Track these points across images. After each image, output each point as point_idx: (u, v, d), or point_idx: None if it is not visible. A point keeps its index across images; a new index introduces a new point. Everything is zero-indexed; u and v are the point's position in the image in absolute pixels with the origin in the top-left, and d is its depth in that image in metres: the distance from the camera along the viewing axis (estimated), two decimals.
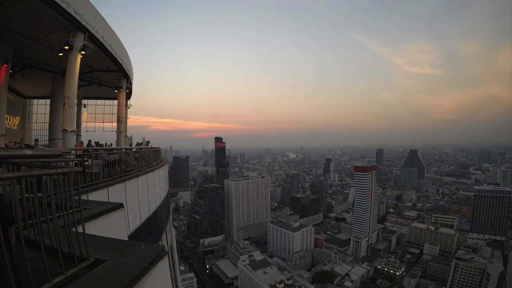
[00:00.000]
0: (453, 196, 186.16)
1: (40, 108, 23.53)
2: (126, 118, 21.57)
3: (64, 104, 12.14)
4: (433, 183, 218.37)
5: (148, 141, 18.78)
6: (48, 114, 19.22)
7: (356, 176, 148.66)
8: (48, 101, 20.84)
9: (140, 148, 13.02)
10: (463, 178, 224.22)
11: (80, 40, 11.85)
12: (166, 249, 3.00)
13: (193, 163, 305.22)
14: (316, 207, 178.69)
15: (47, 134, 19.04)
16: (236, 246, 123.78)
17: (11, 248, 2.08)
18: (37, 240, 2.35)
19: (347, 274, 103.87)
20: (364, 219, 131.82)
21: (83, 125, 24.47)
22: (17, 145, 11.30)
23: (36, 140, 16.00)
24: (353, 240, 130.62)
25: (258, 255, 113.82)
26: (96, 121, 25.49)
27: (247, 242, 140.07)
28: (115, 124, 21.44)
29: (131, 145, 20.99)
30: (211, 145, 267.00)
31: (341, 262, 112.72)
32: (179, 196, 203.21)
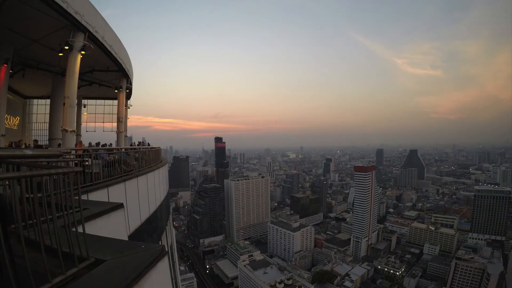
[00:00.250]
0: (453, 196, 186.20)
1: (40, 108, 23.53)
2: (126, 118, 21.57)
3: (64, 104, 12.14)
4: (433, 183, 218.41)
5: (148, 143, 18.78)
6: (48, 114, 19.21)
7: (356, 176, 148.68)
8: (48, 101, 20.84)
9: (140, 148, 13.02)
10: (463, 178, 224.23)
11: (80, 40, 11.85)
12: (166, 249, 3.00)
13: (193, 163, 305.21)
14: (316, 207, 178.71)
15: (47, 134, 19.04)
16: (236, 246, 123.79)
17: (10, 247, 2.08)
18: (37, 240, 2.35)
19: (347, 274, 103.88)
20: (364, 219, 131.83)
21: (83, 125, 24.47)
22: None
23: (35, 140, 15.99)
24: (353, 240, 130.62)
25: (258, 255, 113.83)
26: (96, 121, 25.47)
27: (247, 242, 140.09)
28: (115, 124, 21.43)
29: (130, 145, 20.95)
30: (211, 145, 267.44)
31: (341, 262, 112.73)
32: (179, 196, 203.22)
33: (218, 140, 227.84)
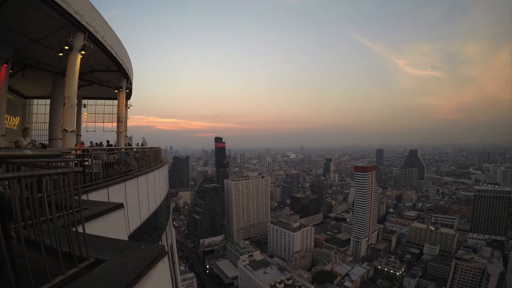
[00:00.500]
0: (453, 196, 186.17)
1: (40, 108, 23.52)
2: (126, 118, 21.58)
3: (64, 104, 12.14)
4: (433, 183, 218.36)
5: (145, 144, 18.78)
6: (48, 114, 19.21)
7: (356, 176, 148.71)
8: (48, 101, 20.83)
9: (140, 148, 13.02)
10: (463, 178, 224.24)
11: (80, 40, 11.85)
12: (166, 249, 3.00)
13: (193, 163, 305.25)
14: (316, 207, 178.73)
15: (47, 134, 19.04)
16: (236, 246, 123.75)
17: (10, 245, 2.08)
18: (37, 240, 2.35)
19: (347, 274, 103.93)
20: (364, 219, 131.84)
21: (83, 125, 24.48)
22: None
23: (34, 141, 15.96)
24: (353, 240, 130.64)
25: (258, 255, 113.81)
26: (96, 121, 25.49)
27: (247, 242, 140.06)
28: (115, 124, 21.44)
29: (129, 145, 20.94)
30: (211, 145, 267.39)
31: (341, 262, 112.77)
32: (179, 196, 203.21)
33: (218, 140, 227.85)
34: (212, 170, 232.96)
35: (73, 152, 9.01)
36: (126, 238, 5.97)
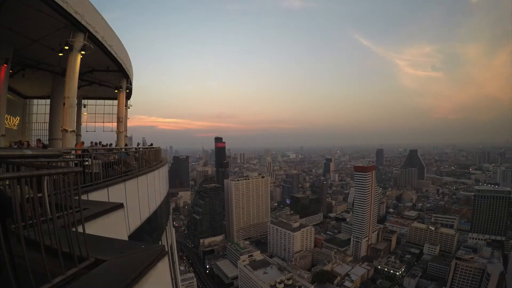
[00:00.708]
0: (453, 196, 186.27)
1: (40, 108, 23.53)
2: (126, 118, 21.58)
3: (64, 104, 12.14)
4: (433, 183, 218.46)
5: (151, 143, 18.79)
6: (48, 114, 19.22)
7: (356, 176, 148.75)
8: (48, 101, 20.85)
9: (139, 148, 13.02)
10: (463, 178, 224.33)
11: (80, 40, 11.85)
12: (166, 249, 3.00)
13: (193, 163, 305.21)
14: (316, 207, 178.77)
15: (47, 134, 19.05)
16: (236, 246, 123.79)
17: (10, 245, 2.08)
18: (37, 240, 2.35)
19: (347, 274, 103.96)
20: (364, 219, 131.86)
21: (83, 125, 24.49)
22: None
23: (38, 140, 15.98)
24: (353, 240, 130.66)
25: (258, 255, 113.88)
26: (96, 121, 25.49)
27: (247, 242, 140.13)
28: (115, 124, 21.45)
29: (126, 145, 20.94)
30: (211, 145, 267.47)
31: (341, 262, 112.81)
32: (179, 196, 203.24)
33: (218, 140, 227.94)
34: (212, 170, 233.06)
35: (73, 152, 9.01)
36: (126, 238, 5.97)
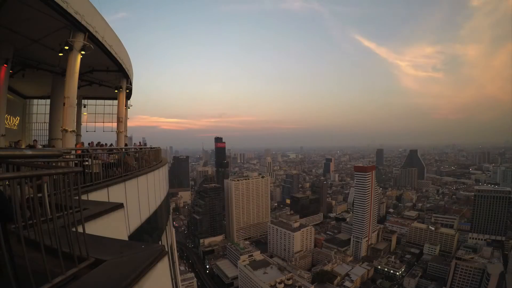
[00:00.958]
0: (453, 196, 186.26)
1: (40, 108, 23.49)
2: (126, 118, 21.56)
3: (64, 104, 12.14)
4: (433, 183, 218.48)
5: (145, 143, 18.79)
6: (48, 114, 19.20)
7: (356, 176, 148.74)
8: (48, 101, 20.82)
9: (139, 148, 13.02)
10: (463, 178, 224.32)
11: (80, 40, 11.84)
12: (166, 249, 3.00)
13: (193, 163, 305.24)
14: (316, 207, 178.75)
15: (47, 134, 19.03)
16: (236, 246, 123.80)
17: (10, 245, 2.08)
18: (37, 240, 2.35)
19: (347, 274, 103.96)
20: (364, 219, 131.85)
21: (83, 125, 24.47)
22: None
23: (35, 141, 15.97)
24: (353, 240, 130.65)
25: (258, 255, 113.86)
26: (96, 121, 25.46)
27: (247, 242, 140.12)
28: (115, 124, 21.43)
29: (126, 145, 20.92)
30: (211, 145, 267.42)
31: (341, 262, 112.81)
32: (179, 196, 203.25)
33: (218, 140, 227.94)
34: (212, 170, 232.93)
35: (73, 152, 9.01)
36: (126, 238, 5.97)
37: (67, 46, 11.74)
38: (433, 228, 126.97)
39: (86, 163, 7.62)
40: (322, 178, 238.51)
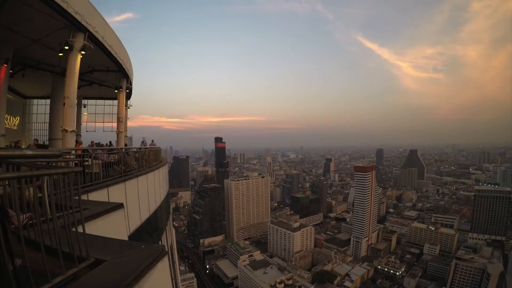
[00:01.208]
0: (453, 196, 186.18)
1: (40, 108, 23.48)
2: (126, 118, 21.56)
3: (64, 104, 12.14)
4: (433, 183, 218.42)
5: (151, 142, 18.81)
6: (48, 114, 19.20)
7: (356, 176, 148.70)
8: (48, 101, 20.82)
9: (139, 148, 13.02)
10: (463, 178, 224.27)
11: (80, 40, 11.85)
12: (166, 249, 3.00)
13: (193, 163, 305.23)
14: (316, 207, 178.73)
15: (47, 134, 19.03)
16: (236, 246, 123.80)
17: (11, 248, 2.08)
18: (37, 240, 2.35)
19: (347, 274, 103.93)
20: (364, 219, 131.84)
21: (83, 125, 24.47)
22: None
23: (36, 140, 16.01)
24: (353, 240, 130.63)
25: (258, 255, 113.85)
26: (96, 121, 25.46)
27: (247, 242, 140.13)
28: (115, 124, 21.43)
29: (126, 145, 20.92)
30: (211, 145, 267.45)
31: (341, 262, 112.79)
32: (179, 196, 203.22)
33: (218, 140, 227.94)
34: (212, 170, 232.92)
35: (73, 152, 9.01)
36: (126, 238, 5.97)
37: (67, 46, 11.74)
38: (433, 228, 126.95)
39: (86, 163, 7.62)
40: (322, 178, 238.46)
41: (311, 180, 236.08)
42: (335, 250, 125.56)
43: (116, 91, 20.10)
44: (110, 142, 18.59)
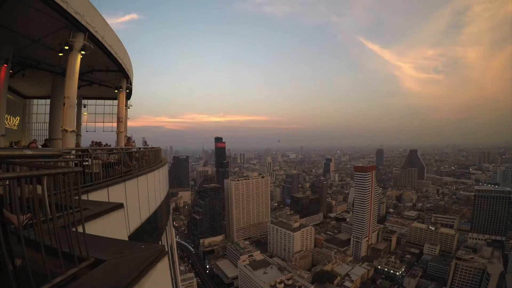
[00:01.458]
0: (453, 196, 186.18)
1: (40, 108, 23.49)
2: (126, 118, 21.58)
3: (64, 104, 12.14)
4: (433, 183, 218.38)
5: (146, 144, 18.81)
6: (48, 114, 19.21)
7: (356, 176, 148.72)
8: (48, 101, 20.83)
9: (139, 148, 13.03)
10: (463, 178, 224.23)
11: (80, 40, 11.85)
12: (166, 249, 3.00)
13: (193, 163, 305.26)
14: (316, 207, 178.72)
15: (47, 134, 19.04)
16: (236, 246, 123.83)
17: (11, 248, 2.08)
18: (37, 240, 2.35)
19: (347, 274, 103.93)
20: (364, 219, 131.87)
21: (83, 125, 24.48)
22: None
23: (35, 140, 15.99)
24: (353, 240, 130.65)
25: (258, 255, 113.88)
26: (96, 121, 25.48)
27: (247, 242, 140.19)
28: (115, 124, 21.45)
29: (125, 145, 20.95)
30: (211, 145, 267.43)
31: (341, 262, 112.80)
32: (179, 196, 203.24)
33: (218, 140, 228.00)
34: (212, 170, 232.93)
35: (73, 152, 9.01)
36: (126, 238, 5.97)
37: (67, 46, 11.74)
38: (433, 228, 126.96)
39: (86, 163, 7.62)
40: (322, 178, 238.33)
41: (311, 180, 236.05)
42: (335, 250, 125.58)
43: (116, 91, 20.11)
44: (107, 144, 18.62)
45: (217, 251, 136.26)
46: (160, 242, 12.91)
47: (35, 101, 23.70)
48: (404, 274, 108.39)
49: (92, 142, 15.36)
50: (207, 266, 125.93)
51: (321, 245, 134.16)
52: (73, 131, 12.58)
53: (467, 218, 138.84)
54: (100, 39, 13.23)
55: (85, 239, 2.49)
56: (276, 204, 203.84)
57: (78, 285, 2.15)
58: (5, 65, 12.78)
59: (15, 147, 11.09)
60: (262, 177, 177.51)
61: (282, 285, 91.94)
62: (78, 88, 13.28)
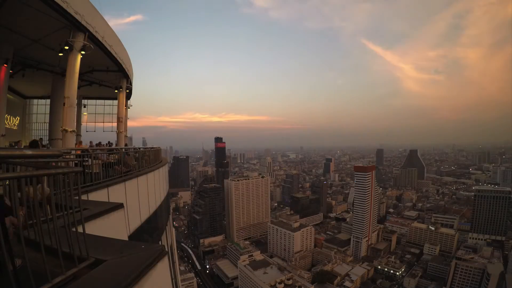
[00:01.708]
0: (453, 196, 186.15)
1: (40, 108, 23.51)
2: (126, 118, 21.59)
3: (64, 104, 12.14)
4: (433, 183, 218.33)
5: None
6: (48, 114, 19.21)
7: (356, 176, 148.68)
8: (48, 101, 20.84)
9: (139, 148, 13.03)
10: (463, 178, 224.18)
11: (80, 40, 11.85)
12: (166, 249, 3.00)
13: (193, 163, 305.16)
14: (316, 207, 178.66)
15: (47, 134, 19.04)
16: (236, 246, 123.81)
17: (11, 248, 2.08)
18: (37, 240, 2.35)
19: (347, 274, 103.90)
20: (364, 219, 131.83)
21: (83, 125, 24.49)
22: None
23: (41, 139, 16.00)
24: (353, 240, 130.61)
25: (258, 255, 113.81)
26: (96, 121, 25.48)
27: (247, 242, 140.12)
28: (115, 124, 21.46)
29: (126, 145, 20.93)
30: (211, 145, 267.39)
31: (341, 262, 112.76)
32: (179, 196, 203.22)
33: (218, 140, 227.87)
34: (212, 170, 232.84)
35: (73, 152, 9.01)
36: (126, 238, 5.97)
37: (67, 46, 11.75)
38: (433, 228, 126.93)
39: (86, 163, 7.62)
40: (322, 178, 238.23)
41: (311, 180, 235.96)
42: (335, 250, 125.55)
43: (116, 91, 20.13)
44: (109, 142, 18.61)
45: (217, 251, 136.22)
46: (160, 242, 12.91)
47: (35, 101, 23.71)
48: (404, 274, 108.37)
49: (91, 143, 15.35)
50: (207, 266, 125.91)
51: (321, 245, 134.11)
52: (73, 131, 12.58)
53: (467, 218, 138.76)
54: (100, 39, 13.23)
55: (85, 239, 2.49)
56: (276, 204, 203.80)
57: (78, 285, 2.15)
58: (5, 65, 12.79)
59: (16, 147, 11.10)
60: (262, 177, 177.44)
61: (282, 285, 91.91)
62: (78, 88, 13.28)
